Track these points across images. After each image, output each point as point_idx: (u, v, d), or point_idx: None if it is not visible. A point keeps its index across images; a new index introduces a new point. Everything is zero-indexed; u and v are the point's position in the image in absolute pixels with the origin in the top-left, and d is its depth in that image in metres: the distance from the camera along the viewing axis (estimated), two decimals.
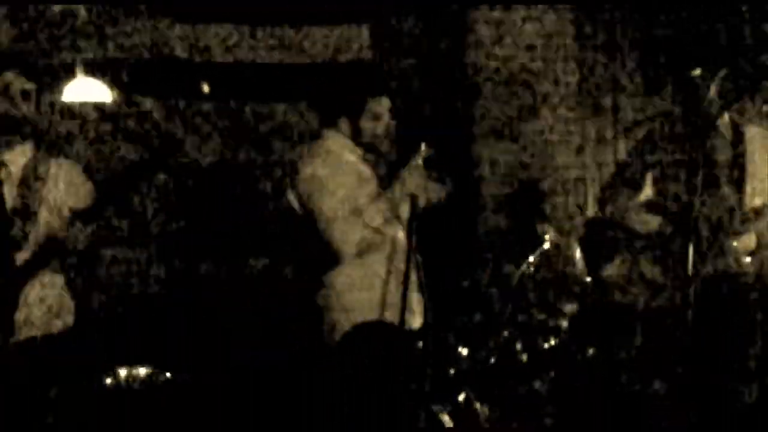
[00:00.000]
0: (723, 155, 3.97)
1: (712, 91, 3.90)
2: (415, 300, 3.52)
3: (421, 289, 3.50)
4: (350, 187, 3.37)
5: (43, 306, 3.31)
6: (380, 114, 3.48)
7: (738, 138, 4.01)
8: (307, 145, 3.72)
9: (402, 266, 3.33)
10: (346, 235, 3.30)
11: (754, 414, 3.89)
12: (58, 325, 3.36)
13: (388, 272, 3.43)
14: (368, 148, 3.52)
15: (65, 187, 3.39)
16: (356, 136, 3.48)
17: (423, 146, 3.42)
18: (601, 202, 4.36)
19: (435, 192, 3.53)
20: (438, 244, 4.17)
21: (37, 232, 3.30)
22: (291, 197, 3.47)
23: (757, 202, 3.97)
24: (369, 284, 3.44)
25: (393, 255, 3.46)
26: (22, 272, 3.27)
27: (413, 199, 3.31)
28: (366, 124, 3.48)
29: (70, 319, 3.42)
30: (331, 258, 3.40)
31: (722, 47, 3.90)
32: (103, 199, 3.26)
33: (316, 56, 6.66)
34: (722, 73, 3.87)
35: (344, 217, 3.30)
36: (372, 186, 3.45)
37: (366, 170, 3.50)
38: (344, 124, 3.48)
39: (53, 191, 3.37)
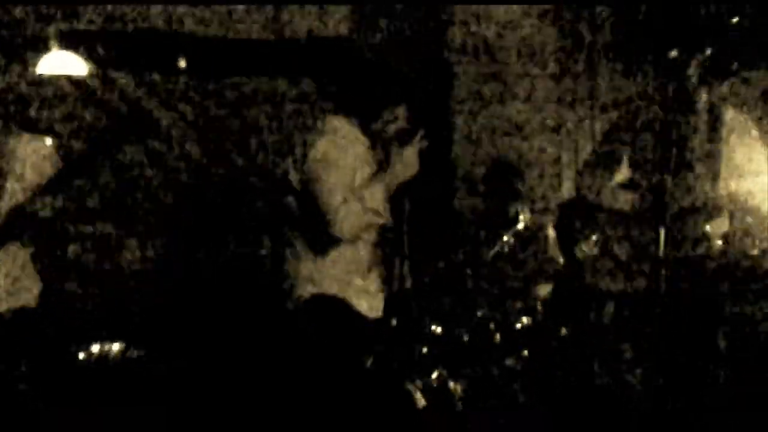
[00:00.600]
0: (699, 138, 3.98)
1: (693, 72, 3.90)
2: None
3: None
4: (352, 168, 3.38)
5: (7, 280, 3.29)
6: (396, 119, 3.55)
7: (715, 121, 4.02)
8: (311, 123, 3.74)
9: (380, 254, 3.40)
10: (345, 217, 3.29)
11: (725, 395, 3.92)
12: (19, 300, 3.33)
13: (372, 260, 3.45)
14: (375, 138, 3.56)
15: (30, 162, 3.37)
16: (366, 127, 3.53)
17: (420, 134, 3.47)
18: (578, 182, 4.36)
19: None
20: (413, 223, 4.18)
21: (3, 205, 3.28)
22: (292, 176, 3.45)
23: (732, 186, 3.98)
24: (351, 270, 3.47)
25: (378, 242, 3.50)
26: None
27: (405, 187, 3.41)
28: (379, 126, 3.55)
29: (32, 296, 3.38)
30: (322, 242, 3.40)
31: (703, 28, 3.89)
32: (70, 171, 3.23)
33: (295, 33, 6.61)
34: (704, 54, 3.87)
35: (344, 198, 3.29)
36: (373, 169, 3.48)
37: (369, 154, 3.52)
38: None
39: (18, 165, 3.34)
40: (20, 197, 3.28)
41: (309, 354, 3.45)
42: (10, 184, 3.31)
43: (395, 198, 3.45)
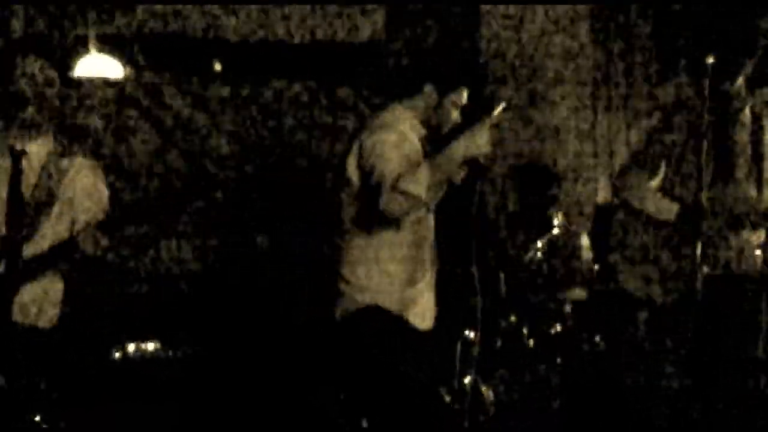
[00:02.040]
0: (743, 147, 3.92)
1: (740, 80, 3.85)
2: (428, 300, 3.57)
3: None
4: (402, 156, 3.34)
5: (34, 307, 3.29)
6: (456, 104, 3.53)
7: (759, 130, 3.95)
8: (370, 116, 3.81)
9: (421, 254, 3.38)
10: (388, 205, 3.25)
11: (759, 408, 3.88)
12: (37, 322, 3.32)
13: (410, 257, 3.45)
14: (430, 129, 3.55)
15: (82, 191, 3.35)
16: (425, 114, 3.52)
17: (501, 106, 3.41)
18: (615, 187, 4.32)
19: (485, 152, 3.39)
20: (446, 226, 4.18)
21: (50, 228, 3.28)
22: (350, 168, 3.45)
23: None
24: (386, 263, 3.44)
25: (416, 240, 3.47)
26: (26, 267, 3.23)
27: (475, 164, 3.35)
28: (439, 110, 3.52)
29: (47, 319, 3.36)
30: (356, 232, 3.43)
31: (748, 35, 3.84)
32: (127, 217, 3.23)
33: (330, 36, 6.63)
34: (752, 61, 3.82)
35: (392, 186, 3.24)
36: (419, 158, 3.41)
37: (419, 145, 3.49)
38: (426, 96, 3.51)
39: (68, 190, 3.32)
40: (65, 226, 3.30)
41: (352, 361, 3.45)
42: (58, 208, 3.31)
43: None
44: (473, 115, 5.67)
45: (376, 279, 3.38)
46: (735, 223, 3.85)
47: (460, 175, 3.50)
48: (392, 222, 3.33)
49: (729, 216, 3.84)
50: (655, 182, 3.99)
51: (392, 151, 3.32)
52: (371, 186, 3.32)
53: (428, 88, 3.51)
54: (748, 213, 3.85)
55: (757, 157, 3.93)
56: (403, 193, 3.21)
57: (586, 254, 5.35)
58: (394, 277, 3.40)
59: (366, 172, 3.36)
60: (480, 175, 3.40)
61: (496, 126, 3.35)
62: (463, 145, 3.28)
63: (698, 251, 3.55)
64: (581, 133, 6.41)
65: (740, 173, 3.91)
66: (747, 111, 3.95)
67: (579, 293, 5.19)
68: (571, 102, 6.39)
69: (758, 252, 3.90)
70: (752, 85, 3.89)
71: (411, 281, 3.42)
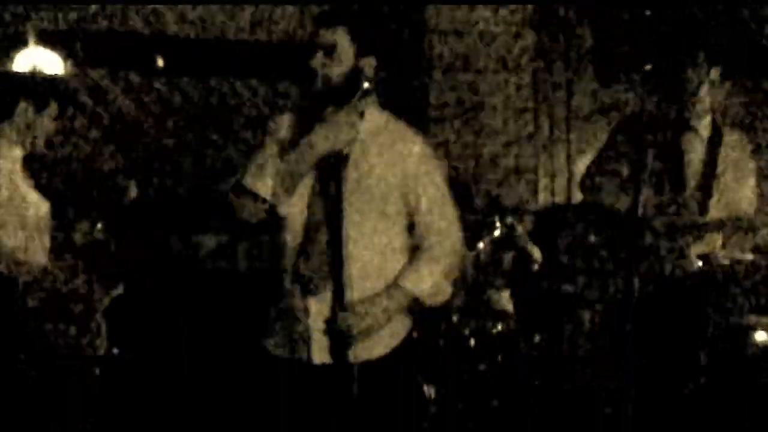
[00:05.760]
0: (696, 156, 3.94)
1: (703, 90, 3.83)
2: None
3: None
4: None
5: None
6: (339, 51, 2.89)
7: (716, 141, 3.96)
8: None
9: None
10: (234, 206, 2.88)
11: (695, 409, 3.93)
12: None
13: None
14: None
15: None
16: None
17: (366, 85, 2.85)
18: (584, 186, 4.29)
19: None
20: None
21: None
22: None
23: (721, 213, 3.92)
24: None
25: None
26: None
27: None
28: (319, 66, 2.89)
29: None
30: None
31: (714, 41, 3.84)
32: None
33: (273, 35, 6.63)
34: (716, 71, 3.80)
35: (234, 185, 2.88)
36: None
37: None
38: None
39: None
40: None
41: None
42: None
43: None
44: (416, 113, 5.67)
45: None
46: (675, 232, 3.87)
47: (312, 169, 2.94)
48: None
49: (670, 225, 3.87)
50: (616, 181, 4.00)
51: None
52: None
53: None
54: (692, 224, 3.87)
55: (710, 169, 3.93)
56: (247, 194, 2.84)
57: (529, 254, 5.40)
58: None
59: None
60: (343, 163, 2.83)
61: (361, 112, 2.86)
62: (322, 140, 2.83)
63: (635, 255, 3.59)
64: (523, 136, 6.47)
65: (690, 184, 3.93)
66: (707, 121, 3.96)
67: (521, 293, 5.24)
68: (513, 105, 6.45)
69: (699, 263, 3.92)
70: (716, 96, 3.88)
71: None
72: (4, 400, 3.31)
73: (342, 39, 2.89)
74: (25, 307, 3.34)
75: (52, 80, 6.18)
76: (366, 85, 2.85)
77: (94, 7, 6.41)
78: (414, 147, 3.01)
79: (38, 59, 6.16)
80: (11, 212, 3.36)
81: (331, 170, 2.85)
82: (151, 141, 6.44)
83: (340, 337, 2.85)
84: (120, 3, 6.41)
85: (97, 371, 3.61)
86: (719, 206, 3.93)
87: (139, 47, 6.53)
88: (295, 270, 2.93)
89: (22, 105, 3.44)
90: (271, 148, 2.93)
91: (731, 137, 4.00)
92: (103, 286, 3.59)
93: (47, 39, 6.13)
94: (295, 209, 2.91)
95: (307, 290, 2.92)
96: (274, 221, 2.91)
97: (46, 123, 3.49)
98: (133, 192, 5.43)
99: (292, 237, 2.93)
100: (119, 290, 3.64)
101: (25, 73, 5.79)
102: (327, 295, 2.89)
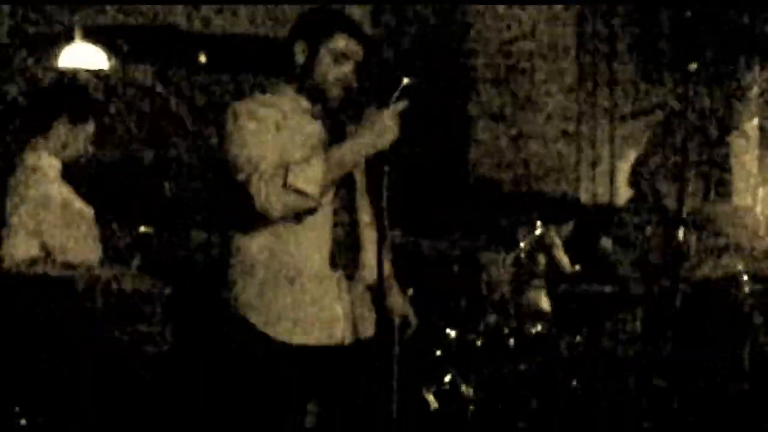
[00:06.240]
0: (743, 158, 3.90)
1: (754, 90, 3.80)
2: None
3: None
4: (281, 144, 2.91)
5: None
6: (335, 54, 2.95)
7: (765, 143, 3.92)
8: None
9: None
10: (268, 198, 2.84)
11: (743, 411, 3.90)
12: None
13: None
14: (314, 96, 3.00)
15: None
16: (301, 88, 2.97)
17: (405, 81, 2.87)
18: (635, 181, 4.23)
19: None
20: (429, 227, 4.18)
21: None
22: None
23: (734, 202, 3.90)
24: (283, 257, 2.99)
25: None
26: None
27: (382, 158, 2.84)
28: (319, 67, 2.95)
29: None
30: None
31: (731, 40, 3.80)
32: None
33: None
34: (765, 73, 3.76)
35: (270, 177, 2.85)
36: (312, 144, 2.96)
37: (315, 125, 3.02)
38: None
39: None
40: None
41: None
42: None
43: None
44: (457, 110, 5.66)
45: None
46: (722, 232, 3.86)
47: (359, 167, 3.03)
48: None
49: (716, 225, 3.85)
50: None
51: (254, 137, 2.91)
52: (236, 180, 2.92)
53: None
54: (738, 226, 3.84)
55: (759, 172, 3.90)
56: (294, 190, 2.83)
57: (562, 254, 5.39)
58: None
59: (230, 164, 2.93)
60: (387, 162, 2.85)
61: (402, 111, 2.85)
62: (368, 140, 2.86)
63: (678, 256, 3.58)
64: (564, 135, 6.44)
65: (738, 186, 3.90)
66: (755, 123, 3.92)
67: (558, 292, 5.23)
68: (555, 104, 6.42)
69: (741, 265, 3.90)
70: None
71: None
72: (75, 403, 3.37)
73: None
74: (85, 309, 3.40)
75: (96, 76, 6.29)
76: (405, 81, 2.87)
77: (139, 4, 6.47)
78: None
79: (83, 55, 6.24)
80: (63, 218, 3.43)
81: (373, 168, 2.94)
82: (191, 137, 6.48)
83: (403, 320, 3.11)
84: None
85: (161, 368, 3.65)
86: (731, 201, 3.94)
87: (182, 44, 6.58)
88: (331, 257, 2.99)
89: (60, 123, 3.52)
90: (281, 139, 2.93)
91: (738, 136, 3.97)
92: (156, 284, 3.63)
93: (92, 35, 6.20)
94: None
95: (346, 277, 3.00)
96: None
97: (81, 141, 3.56)
98: (169, 191, 5.47)
99: (320, 229, 2.99)
100: (169, 289, 3.67)
101: (68, 69, 5.87)
102: (359, 282, 3.04)
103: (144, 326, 3.57)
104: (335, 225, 2.98)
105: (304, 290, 2.94)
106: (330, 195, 2.95)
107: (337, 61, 2.96)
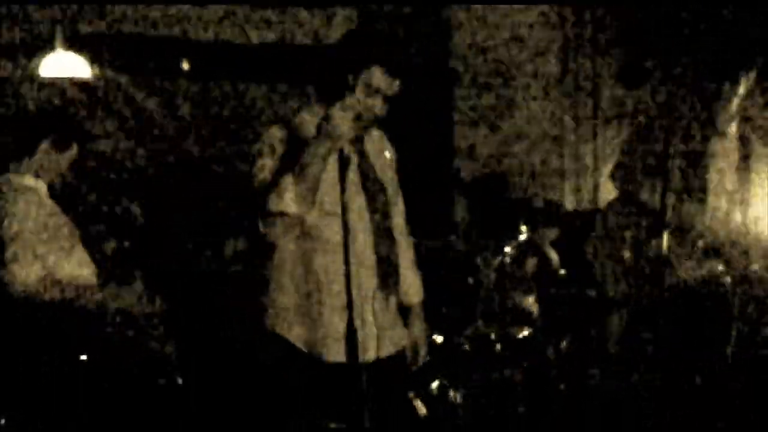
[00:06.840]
0: (723, 161, 3.92)
1: (740, 90, 3.80)
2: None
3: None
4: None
5: None
6: (374, 87, 2.97)
7: (744, 148, 3.93)
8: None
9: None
10: (264, 230, 2.93)
11: (728, 410, 3.91)
12: None
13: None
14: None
15: None
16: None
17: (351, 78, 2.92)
18: (619, 180, 4.24)
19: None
20: (413, 231, 4.16)
21: None
22: None
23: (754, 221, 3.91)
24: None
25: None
26: None
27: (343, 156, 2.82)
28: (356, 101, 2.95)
29: None
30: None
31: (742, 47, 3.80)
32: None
33: (299, 38, 6.63)
34: (752, 75, 3.76)
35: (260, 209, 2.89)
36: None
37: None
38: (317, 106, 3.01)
39: None
40: None
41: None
42: None
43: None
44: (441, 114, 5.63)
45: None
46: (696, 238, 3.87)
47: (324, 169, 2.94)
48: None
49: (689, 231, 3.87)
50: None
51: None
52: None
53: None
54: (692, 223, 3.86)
55: (737, 175, 3.93)
56: (270, 214, 2.88)
57: (554, 259, 5.39)
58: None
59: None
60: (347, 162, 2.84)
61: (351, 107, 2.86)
62: (319, 140, 2.83)
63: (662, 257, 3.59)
64: (548, 138, 6.45)
65: (717, 189, 3.92)
66: (734, 129, 3.93)
67: (546, 296, 5.23)
68: (539, 107, 6.43)
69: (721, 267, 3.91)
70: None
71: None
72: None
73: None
74: (89, 329, 3.41)
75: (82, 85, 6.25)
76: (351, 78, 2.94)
77: (120, 11, 6.44)
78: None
79: (65, 63, 6.19)
80: (56, 238, 3.44)
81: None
82: (178, 145, 6.46)
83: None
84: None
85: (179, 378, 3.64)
86: (748, 214, 3.93)
87: (165, 51, 6.56)
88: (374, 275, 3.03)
89: (43, 147, 3.52)
90: (275, 163, 2.95)
91: (759, 149, 3.97)
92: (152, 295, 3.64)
93: (74, 43, 6.16)
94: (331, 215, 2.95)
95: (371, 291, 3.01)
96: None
97: (63, 164, 3.58)
98: (137, 211, 5.47)
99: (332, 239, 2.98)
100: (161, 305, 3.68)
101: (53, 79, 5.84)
102: (379, 294, 3.04)
103: (148, 343, 3.58)
104: (377, 244, 2.99)
105: (333, 306, 2.93)
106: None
107: (374, 97, 2.94)
